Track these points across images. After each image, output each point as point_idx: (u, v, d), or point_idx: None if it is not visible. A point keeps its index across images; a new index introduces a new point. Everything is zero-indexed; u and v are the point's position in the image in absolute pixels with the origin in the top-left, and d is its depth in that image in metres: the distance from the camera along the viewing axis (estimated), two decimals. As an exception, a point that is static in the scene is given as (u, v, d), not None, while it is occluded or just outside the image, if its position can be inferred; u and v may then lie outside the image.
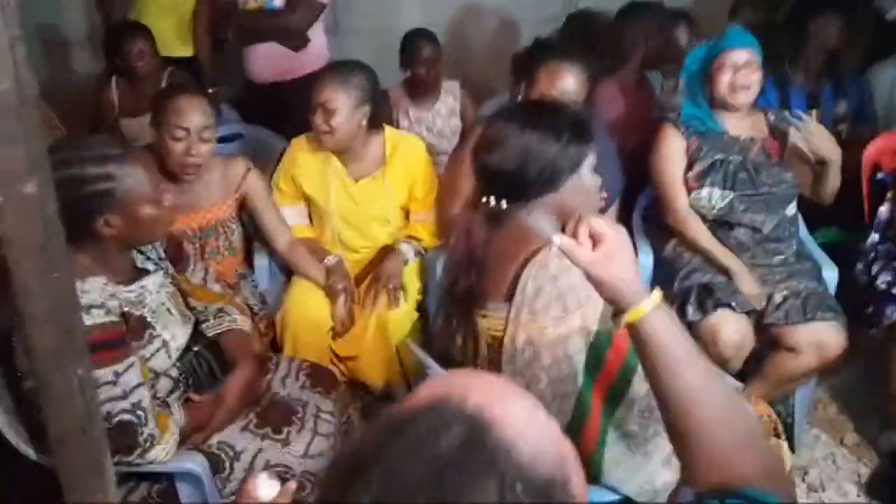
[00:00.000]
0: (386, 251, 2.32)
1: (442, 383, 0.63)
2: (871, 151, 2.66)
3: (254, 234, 2.32)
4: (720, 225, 2.26)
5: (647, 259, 2.43)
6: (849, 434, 2.46)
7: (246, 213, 2.27)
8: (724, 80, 2.21)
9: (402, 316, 2.18)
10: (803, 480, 2.28)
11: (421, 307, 2.30)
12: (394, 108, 2.96)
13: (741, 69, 2.20)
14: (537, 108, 1.54)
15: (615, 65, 2.82)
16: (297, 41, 2.96)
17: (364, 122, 2.18)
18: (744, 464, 0.81)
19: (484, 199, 1.43)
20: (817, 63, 3.05)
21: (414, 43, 2.92)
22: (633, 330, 0.94)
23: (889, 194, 2.39)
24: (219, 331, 1.69)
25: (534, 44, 2.30)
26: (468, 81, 3.30)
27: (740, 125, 2.30)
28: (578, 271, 1.42)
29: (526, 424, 0.60)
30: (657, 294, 0.95)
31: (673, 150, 2.30)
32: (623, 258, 0.96)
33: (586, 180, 1.45)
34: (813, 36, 3.02)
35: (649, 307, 0.93)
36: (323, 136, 2.17)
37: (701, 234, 2.26)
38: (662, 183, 2.32)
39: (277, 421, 1.65)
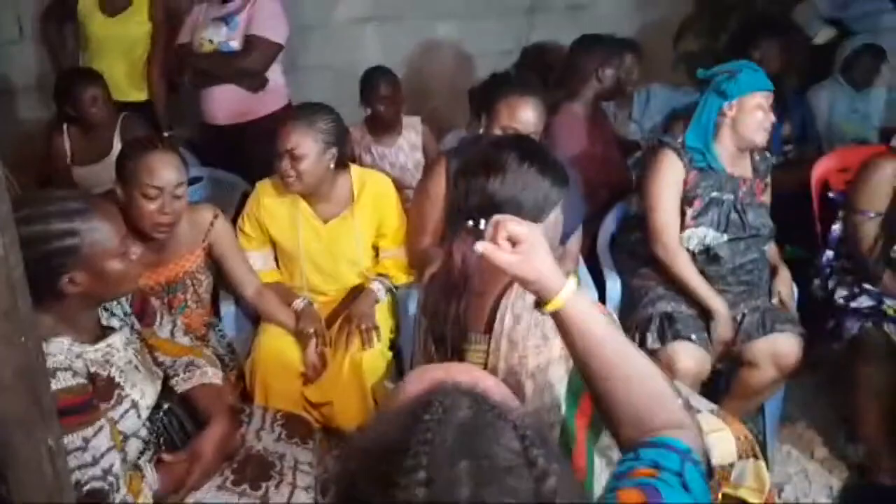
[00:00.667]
0: (356, 291, 2.30)
1: (428, 376, 0.75)
2: (817, 171, 2.76)
3: (219, 281, 2.27)
4: (699, 252, 2.26)
5: (614, 286, 2.46)
6: (818, 448, 2.50)
7: (212, 261, 2.22)
8: (754, 121, 2.18)
9: (375, 356, 2.15)
10: (779, 497, 2.31)
11: (394, 346, 2.28)
12: (356, 146, 2.95)
13: (768, 111, 2.20)
14: (533, 144, 1.57)
15: (571, 96, 2.87)
16: (255, 82, 2.94)
17: (331, 164, 2.17)
18: (659, 418, 0.93)
19: (471, 222, 1.43)
20: None
21: (373, 80, 2.93)
22: (556, 317, 1.04)
23: (841, 213, 2.47)
24: (189, 386, 1.64)
25: (490, 78, 2.31)
26: (428, 115, 3.33)
27: (736, 164, 2.29)
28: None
29: (502, 390, 0.79)
30: (573, 282, 1.04)
31: (672, 179, 2.23)
32: (541, 254, 1.04)
33: (559, 216, 1.49)
34: (755, 61, 3.13)
35: (567, 294, 1.02)
36: (290, 182, 2.15)
37: (689, 271, 2.22)
38: (657, 211, 2.24)
39: (255, 476, 1.59)
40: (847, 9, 3.67)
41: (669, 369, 2.10)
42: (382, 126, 2.99)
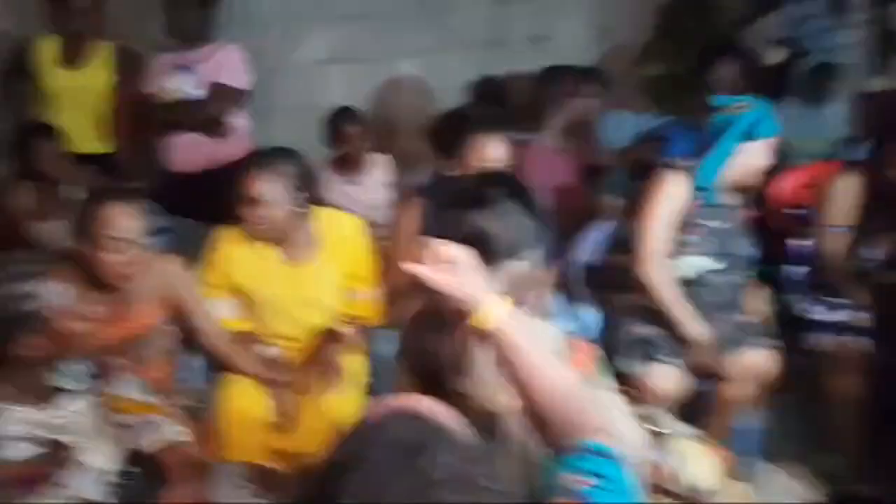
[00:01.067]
0: (327, 335, 2.26)
1: (392, 405, 0.82)
2: (774, 189, 2.79)
3: (184, 333, 2.22)
4: (689, 285, 2.24)
5: (589, 313, 2.45)
6: (797, 463, 2.50)
7: (177, 312, 2.17)
8: (765, 164, 2.19)
9: (349, 401, 2.11)
10: (763, 514, 2.30)
11: (368, 389, 2.24)
12: (322, 187, 2.94)
13: (768, 154, 2.20)
14: (518, 182, 1.57)
15: (539, 128, 2.90)
16: (219, 129, 2.93)
17: (298, 209, 2.15)
18: (582, 424, 0.99)
19: None
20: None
21: (339, 121, 2.94)
22: (492, 336, 1.06)
23: (808, 229, 2.50)
24: (154, 447, 1.59)
25: (450, 117, 2.28)
26: (395, 151, 3.34)
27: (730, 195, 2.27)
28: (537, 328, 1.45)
29: (450, 415, 0.86)
30: (508, 300, 1.07)
31: (676, 205, 2.18)
32: (475, 276, 1.07)
33: (538, 257, 1.48)
34: (713, 83, 3.18)
35: (503, 313, 1.05)
36: (256, 229, 2.12)
37: (673, 297, 2.18)
38: (651, 234, 2.18)
39: (228, 536, 1.55)
40: (799, 28, 3.77)
41: (649, 392, 2.10)
42: (349, 165, 2.98)
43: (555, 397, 1.02)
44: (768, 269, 2.64)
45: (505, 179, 1.54)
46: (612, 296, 2.40)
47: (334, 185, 2.99)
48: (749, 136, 2.14)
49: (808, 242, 2.51)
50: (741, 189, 2.25)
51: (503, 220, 1.41)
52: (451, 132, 2.13)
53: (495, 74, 3.48)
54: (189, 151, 2.94)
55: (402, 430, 0.73)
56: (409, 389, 1.52)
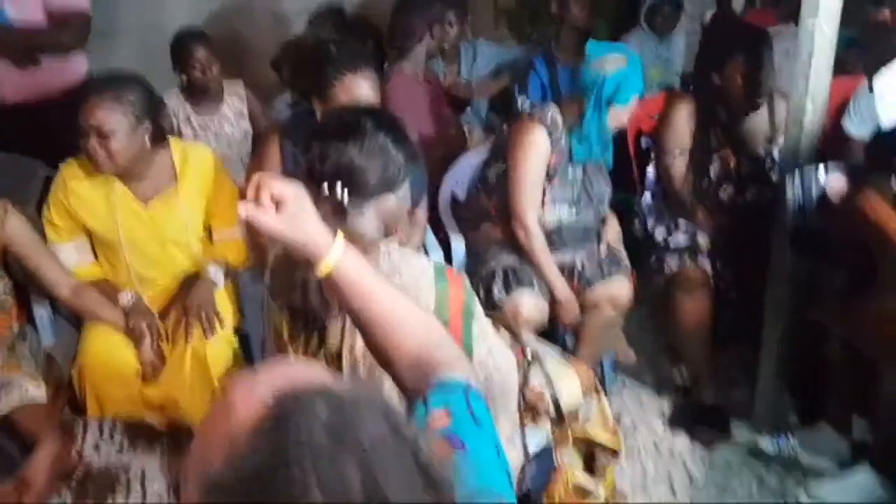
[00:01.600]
0: (190, 278, 2.15)
1: (254, 390, 0.66)
2: (630, 120, 2.94)
3: (27, 282, 2.02)
4: (553, 235, 2.31)
5: (459, 246, 2.51)
6: (647, 375, 2.75)
7: (13, 261, 1.96)
8: (615, 125, 2.24)
9: (220, 345, 2.03)
10: (619, 425, 2.51)
11: (238, 332, 2.17)
12: (174, 117, 2.72)
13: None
14: (388, 115, 1.53)
15: (401, 56, 2.83)
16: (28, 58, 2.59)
17: (146, 139, 1.98)
18: (434, 359, 0.96)
19: (328, 191, 1.37)
20: (578, 38, 3.30)
21: (185, 44, 2.70)
22: (329, 278, 1.01)
23: (652, 155, 2.66)
24: (8, 408, 1.46)
25: (307, 52, 2.09)
26: (250, 80, 3.14)
27: None
28: (409, 268, 1.45)
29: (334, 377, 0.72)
30: (340, 240, 1.01)
31: (537, 151, 2.21)
32: (308, 215, 1.00)
33: (409, 190, 1.47)
34: (562, 17, 3.24)
35: (338, 254, 1.00)
36: (101, 162, 1.93)
37: (544, 256, 2.26)
38: (521, 182, 2.23)
39: (98, 493, 1.48)
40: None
41: (514, 318, 2.20)
42: (201, 93, 2.77)
43: (404, 332, 0.99)
44: (625, 196, 2.81)
45: (374, 112, 1.50)
46: (477, 226, 2.45)
47: (186, 116, 2.78)
48: (616, 97, 2.17)
49: (653, 169, 2.66)
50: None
51: (374, 154, 1.39)
52: (312, 70, 2.00)
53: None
54: (17, 81, 2.60)
55: (315, 408, 0.62)
56: (279, 333, 1.49)
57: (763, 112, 2.48)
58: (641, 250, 2.62)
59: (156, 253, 2.11)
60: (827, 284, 2.15)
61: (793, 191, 1.96)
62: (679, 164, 2.50)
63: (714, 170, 2.48)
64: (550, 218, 2.30)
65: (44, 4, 2.53)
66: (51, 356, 2.01)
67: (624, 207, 2.71)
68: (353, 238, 1.38)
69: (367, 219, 1.40)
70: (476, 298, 1.53)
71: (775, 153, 2.46)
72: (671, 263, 2.49)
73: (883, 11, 3.17)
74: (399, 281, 1.38)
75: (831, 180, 1.58)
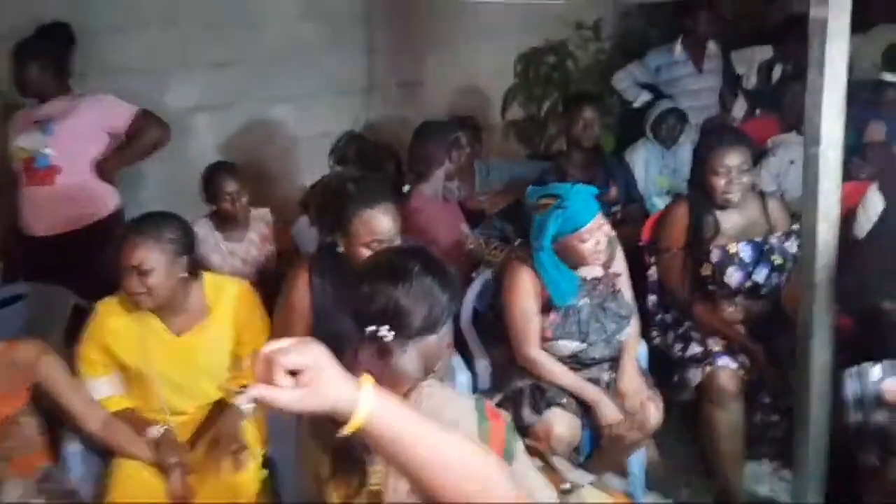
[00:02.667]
0: (219, 406, 2.16)
1: None
2: (647, 228, 3.02)
3: (57, 419, 2.04)
4: (574, 363, 2.33)
5: (483, 363, 2.51)
6: (682, 490, 2.68)
7: (43, 397, 1.99)
8: (585, 251, 2.24)
9: (249, 478, 2.02)
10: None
11: (265, 460, 2.15)
12: (202, 244, 2.81)
13: (597, 234, 2.25)
14: (433, 256, 1.57)
15: (420, 179, 2.95)
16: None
17: (183, 275, 2.05)
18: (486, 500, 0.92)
19: (372, 328, 1.40)
20: (586, 152, 3.44)
21: (217, 177, 2.82)
22: (362, 433, 0.94)
23: (653, 258, 2.73)
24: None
25: (329, 191, 2.14)
26: (272, 199, 3.26)
27: (587, 269, 2.33)
28: (451, 409, 1.46)
29: None
30: (368, 392, 0.94)
31: (525, 293, 2.29)
32: (328, 378, 0.92)
33: (449, 328, 1.51)
34: (577, 131, 3.40)
35: (367, 408, 0.93)
36: (140, 299, 2.00)
37: (554, 371, 2.28)
38: (514, 323, 2.31)
39: None
40: (657, 75, 4.11)
41: (546, 438, 2.18)
42: (230, 222, 2.88)
43: (449, 474, 0.93)
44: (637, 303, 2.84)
45: (420, 254, 1.55)
46: (500, 343, 2.46)
47: (215, 243, 2.87)
48: (568, 228, 2.22)
49: (654, 271, 2.73)
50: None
51: (420, 297, 1.43)
52: (333, 208, 2.06)
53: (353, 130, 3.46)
54: (50, 210, 2.72)
55: None
56: (321, 471, 1.49)
57: (756, 208, 2.61)
58: (664, 364, 2.62)
59: (187, 384, 2.13)
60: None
61: (851, 389, 1.96)
62: (675, 261, 2.58)
63: (716, 256, 2.54)
64: (555, 351, 2.31)
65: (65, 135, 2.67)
66: (73, 493, 1.99)
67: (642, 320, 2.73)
68: (396, 377, 1.42)
69: (410, 358, 1.43)
70: (518, 437, 1.53)
71: (773, 241, 2.56)
72: (693, 376, 2.48)
73: (879, 129, 3.33)
74: (441, 420, 1.39)
75: (887, 384, 1.61)
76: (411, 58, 4.06)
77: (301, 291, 2.13)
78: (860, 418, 1.83)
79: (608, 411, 2.26)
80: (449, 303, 1.48)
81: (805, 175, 2.06)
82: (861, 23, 3.97)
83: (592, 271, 2.35)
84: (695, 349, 2.54)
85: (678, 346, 2.60)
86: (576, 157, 3.44)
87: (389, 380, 1.41)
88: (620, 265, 2.45)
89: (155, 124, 2.80)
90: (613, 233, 2.39)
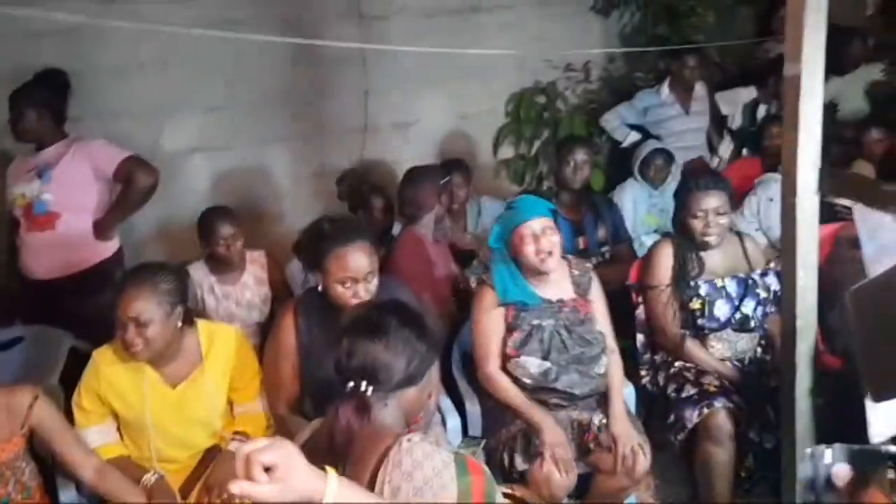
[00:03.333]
0: (211, 452, 2.19)
1: None
2: (635, 268, 3.07)
3: (53, 465, 2.06)
4: (537, 391, 2.36)
5: (473, 407, 2.52)
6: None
7: (38, 444, 2.02)
8: (529, 251, 2.33)
9: (241, 523, 2.04)
10: None
11: None
12: (197, 288, 2.86)
13: (541, 237, 2.34)
14: (411, 310, 1.61)
15: (411, 221, 3.01)
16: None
17: (179, 324, 2.10)
18: None
19: (352, 385, 1.44)
20: (575, 192, 3.50)
21: (212, 221, 2.87)
22: None
23: (640, 298, 2.78)
24: None
25: (310, 230, 2.20)
26: (266, 240, 3.31)
27: (550, 288, 2.43)
28: (431, 463, 1.49)
29: None
30: (333, 480, 1.13)
31: (489, 315, 2.39)
32: (297, 471, 1.10)
33: (432, 380, 1.55)
34: (569, 171, 3.46)
35: (332, 495, 1.11)
36: (136, 350, 2.03)
37: (509, 391, 2.35)
38: (477, 343, 2.42)
39: None
40: (645, 116, 4.20)
41: (546, 485, 2.19)
42: (224, 265, 2.92)
43: None
44: (626, 343, 2.86)
45: (399, 308, 1.60)
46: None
47: (210, 286, 2.91)
48: (510, 226, 2.39)
49: (640, 311, 2.78)
50: (538, 275, 2.39)
51: (398, 351, 1.47)
52: (312, 251, 2.12)
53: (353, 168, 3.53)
54: (49, 254, 2.77)
55: None
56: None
57: (736, 247, 2.69)
58: (655, 405, 2.65)
59: (180, 432, 2.16)
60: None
61: (803, 471, 2.00)
62: (663, 297, 2.63)
63: (705, 289, 2.59)
64: (520, 370, 2.35)
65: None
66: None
67: (631, 360, 2.77)
68: (377, 431, 1.45)
69: (390, 412, 1.46)
70: (497, 489, 1.56)
71: (755, 276, 2.62)
72: (690, 417, 2.48)
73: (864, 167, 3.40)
74: (421, 475, 1.42)
75: (836, 470, 1.65)
76: (405, 98, 4.15)
77: (287, 333, 2.17)
78: (812, 500, 1.87)
79: (551, 435, 2.25)
80: (428, 354, 1.51)
81: (783, 224, 2.13)
82: (845, 65, 4.17)
83: (558, 293, 2.42)
84: (690, 390, 2.55)
85: (672, 387, 2.61)
86: (565, 197, 3.50)
87: (370, 434, 1.44)
88: (596, 295, 2.51)
89: (142, 170, 2.81)
90: (590, 271, 2.51)
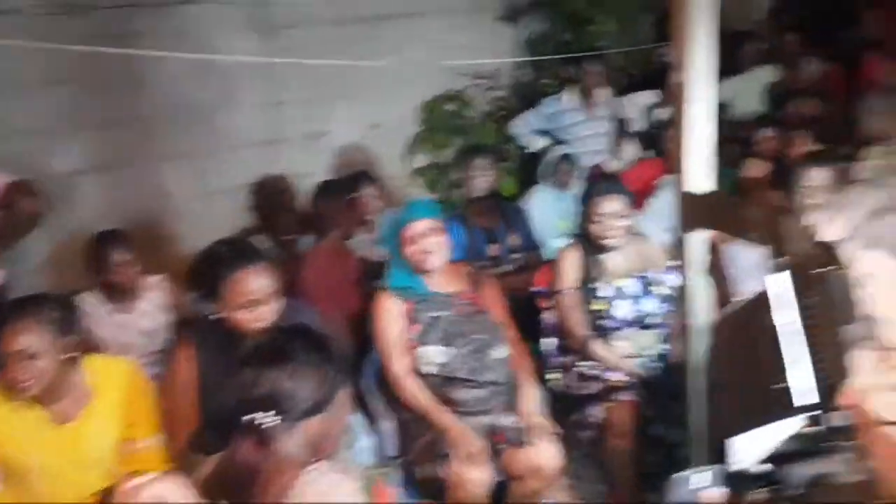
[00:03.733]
0: (105, 494, 2.06)
1: None
2: (539, 273, 3.10)
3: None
4: (444, 382, 2.40)
5: (387, 424, 2.49)
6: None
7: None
8: (412, 250, 2.43)
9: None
10: None
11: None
12: (91, 317, 2.70)
13: (424, 238, 2.43)
14: (315, 334, 1.57)
15: (320, 236, 2.95)
16: None
17: (68, 357, 1.97)
18: None
19: (255, 416, 1.38)
20: (485, 200, 3.52)
21: (103, 248, 2.72)
22: None
23: (548, 303, 2.85)
24: None
25: (203, 255, 2.19)
26: (167, 263, 3.17)
27: (443, 282, 2.51)
28: (337, 495, 1.45)
29: None
30: None
31: (391, 316, 2.44)
32: None
33: (341, 405, 1.51)
34: (475, 178, 3.49)
35: None
36: (24, 386, 1.90)
37: (417, 394, 2.38)
38: (382, 347, 2.45)
39: None
40: (552, 122, 4.27)
41: (461, 487, 2.21)
42: (120, 292, 2.78)
43: None
44: (534, 346, 2.88)
45: (302, 333, 1.55)
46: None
47: (103, 316, 2.76)
48: (398, 226, 2.47)
49: (549, 315, 2.87)
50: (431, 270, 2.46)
51: (303, 378, 1.42)
52: (208, 277, 2.06)
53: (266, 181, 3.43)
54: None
55: None
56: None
57: (636, 249, 2.78)
58: (564, 406, 2.69)
59: (71, 475, 2.03)
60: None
61: (672, 496, 2.06)
62: (570, 300, 2.71)
63: (605, 291, 2.69)
64: (425, 359, 2.38)
65: None
66: None
67: (538, 362, 2.80)
68: (281, 463, 1.40)
69: (296, 442, 1.42)
70: None
71: (653, 275, 2.72)
72: (595, 413, 2.60)
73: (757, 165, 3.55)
74: None
75: (703, 495, 1.71)
76: (314, 109, 4.07)
77: (183, 364, 2.09)
78: None
79: (458, 433, 2.28)
80: (336, 379, 1.48)
81: (677, 225, 2.18)
82: (739, 66, 4.36)
83: (453, 287, 2.50)
84: (595, 387, 2.67)
85: (579, 385, 2.72)
86: (476, 205, 3.52)
87: (274, 467, 1.40)
88: (490, 293, 2.58)
89: (26, 196, 2.68)
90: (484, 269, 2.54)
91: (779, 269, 1.20)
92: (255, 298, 2.00)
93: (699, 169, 2.12)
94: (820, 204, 2.52)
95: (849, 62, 4.44)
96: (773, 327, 1.17)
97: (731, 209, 2.20)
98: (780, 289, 1.15)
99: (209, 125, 3.77)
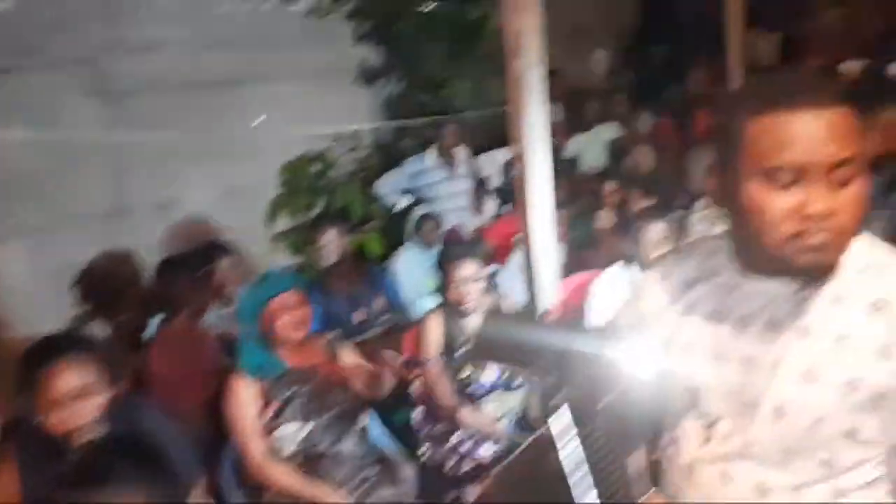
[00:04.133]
0: None
1: None
2: (407, 340, 3.08)
3: None
4: (307, 460, 2.30)
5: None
6: None
7: None
8: (279, 324, 2.31)
9: None
10: None
11: None
12: None
13: (290, 311, 2.33)
14: (142, 441, 1.46)
15: (170, 317, 2.77)
16: None
17: None
18: None
19: None
20: (348, 264, 3.48)
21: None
22: None
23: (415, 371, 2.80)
24: None
25: (30, 348, 1.93)
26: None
27: (299, 357, 2.40)
28: None
29: None
30: None
31: (244, 399, 2.31)
32: None
33: None
34: (327, 241, 3.46)
35: None
36: None
37: (281, 477, 2.26)
38: (237, 433, 2.30)
39: None
40: (415, 181, 4.33)
41: None
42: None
43: None
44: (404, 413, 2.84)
45: (127, 443, 1.43)
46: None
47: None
48: (259, 302, 2.38)
49: (415, 386, 2.82)
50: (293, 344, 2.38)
51: (130, 496, 1.30)
52: (20, 374, 1.84)
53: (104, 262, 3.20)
54: None
55: None
56: None
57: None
58: (436, 484, 2.63)
59: None
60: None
61: None
62: (436, 369, 2.68)
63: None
64: (285, 440, 2.28)
65: None
66: None
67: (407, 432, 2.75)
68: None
69: None
70: None
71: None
72: (471, 494, 2.53)
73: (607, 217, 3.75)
74: None
75: None
76: (163, 177, 3.89)
77: (3, 480, 1.86)
78: None
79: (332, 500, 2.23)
80: (172, 491, 1.37)
81: (528, 276, 2.25)
82: (584, 124, 4.64)
83: (309, 359, 2.41)
84: (467, 465, 2.62)
85: (451, 462, 2.66)
86: (339, 269, 3.47)
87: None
88: (346, 359, 2.51)
89: None
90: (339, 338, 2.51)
91: (559, 404, 1.12)
92: (68, 396, 1.80)
93: (543, 225, 2.20)
94: (658, 257, 2.66)
95: (681, 115, 4.84)
96: (560, 467, 1.10)
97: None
98: (563, 426, 1.11)
99: (47, 198, 3.50)
